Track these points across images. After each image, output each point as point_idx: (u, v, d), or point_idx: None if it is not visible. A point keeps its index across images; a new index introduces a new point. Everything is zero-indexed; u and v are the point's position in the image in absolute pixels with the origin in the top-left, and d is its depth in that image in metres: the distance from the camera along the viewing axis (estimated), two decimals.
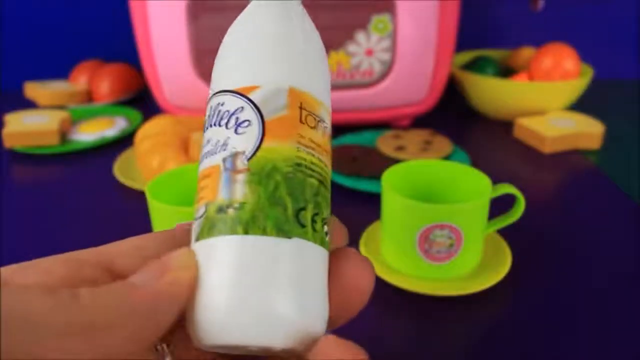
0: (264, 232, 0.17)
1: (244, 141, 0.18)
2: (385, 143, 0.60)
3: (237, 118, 0.18)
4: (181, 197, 0.41)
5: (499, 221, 0.42)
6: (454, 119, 0.75)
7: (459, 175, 0.43)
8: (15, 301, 0.14)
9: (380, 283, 0.40)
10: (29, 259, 0.44)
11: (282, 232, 0.17)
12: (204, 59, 0.61)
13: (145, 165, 0.54)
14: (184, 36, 0.60)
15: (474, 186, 0.41)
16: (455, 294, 0.37)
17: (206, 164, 0.19)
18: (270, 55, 0.20)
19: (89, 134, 0.69)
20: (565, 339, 0.34)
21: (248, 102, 0.19)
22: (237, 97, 0.19)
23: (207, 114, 0.20)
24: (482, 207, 0.38)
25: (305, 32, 0.21)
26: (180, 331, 0.19)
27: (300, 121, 0.19)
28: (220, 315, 0.16)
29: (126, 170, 0.58)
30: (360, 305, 0.18)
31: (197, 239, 0.17)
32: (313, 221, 0.18)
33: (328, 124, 0.21)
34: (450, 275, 0.39)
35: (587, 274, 0.41)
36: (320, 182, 0.19)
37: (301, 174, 0.18)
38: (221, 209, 0.17)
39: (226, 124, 0.18)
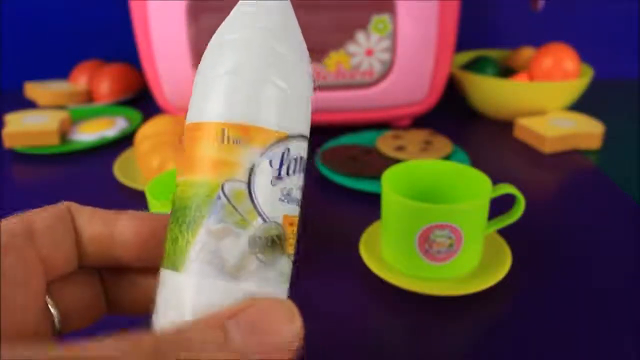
0: None
1: None
2: (385, 143, 0.60)
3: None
4: None
5: (499, 221, 0.42)
6: (454, 119, 0.75)
7: (459, 175, 0.43)
8: None
9: (380, 283, 0.40)
10: None
11: None
12: None
13: (145, 165, 0.54)
14: (184, 36, 0.60)
15: (474, 186, 0.41)
16: (455, 294, 0.37)
17: (296, 211, 0.20)
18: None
19: (89, 134, 0.69)
20: (565, 339, 0.34)
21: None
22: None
23: (297, 155, 0.19)
24: (482, 207, 0.38)
25: None
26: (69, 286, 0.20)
27: None
28: None
29: (126, 170, 0.58)
30: None
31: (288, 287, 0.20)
32: None
33: None
34: (450, 275, 0.39)
35: (587, 274, 0.41)
36: None
37: None
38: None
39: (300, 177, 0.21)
